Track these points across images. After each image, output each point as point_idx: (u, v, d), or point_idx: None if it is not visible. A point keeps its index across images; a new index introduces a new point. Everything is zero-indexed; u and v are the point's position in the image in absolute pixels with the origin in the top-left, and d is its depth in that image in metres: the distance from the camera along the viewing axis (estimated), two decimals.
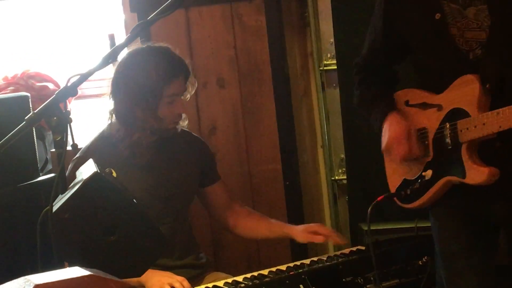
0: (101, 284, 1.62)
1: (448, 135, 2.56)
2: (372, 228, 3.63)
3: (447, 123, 2.57)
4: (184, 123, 3.18)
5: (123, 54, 3.03)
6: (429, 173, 2.65)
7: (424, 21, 2.60)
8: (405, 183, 2.75)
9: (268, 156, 4.06)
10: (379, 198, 2.74)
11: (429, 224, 3.41)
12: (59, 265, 1.88)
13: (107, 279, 1.64)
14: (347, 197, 4.08)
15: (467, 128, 2.48)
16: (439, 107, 2.62)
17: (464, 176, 2.51)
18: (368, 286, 2.73)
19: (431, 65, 2.66)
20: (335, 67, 3.99)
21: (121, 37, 3.95)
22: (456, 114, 2.54)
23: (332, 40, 4.01)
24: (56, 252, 1.93)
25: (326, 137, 4.13)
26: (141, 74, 2.97)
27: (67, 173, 2.78)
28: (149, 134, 3.03)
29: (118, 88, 3.01)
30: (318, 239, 2.94)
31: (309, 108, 4.18)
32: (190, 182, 3.22)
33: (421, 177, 2.68)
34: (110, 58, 2.14)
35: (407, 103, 2.76)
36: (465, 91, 2.51)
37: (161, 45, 3.09)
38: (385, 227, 3.58)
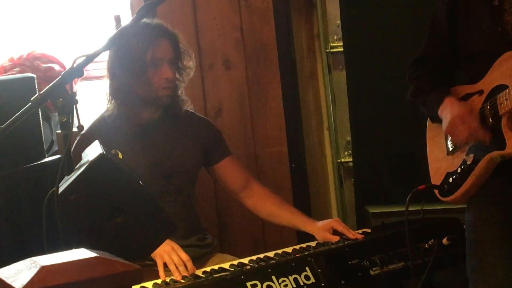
0: (107, 265, 1.62)
1: (489, 112, 2.55)
2: (378, 210, 3.67)
3: (488, 103, 2.56)
4: (187, 103, 3.23)
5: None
6: (471, 157, 2.63)
7: (481, 6, 2.61)
8: (448, 176, 2.75)
9: (274, 138, 4.05)
10: (420, 187, 2.75)
11: (435, 207, 3.42)
12: (65, 246, 1.88)
13: (113, 260, 1.65)
14: (353, 180, 4.08)
15: (506, 99, 2.45)
16: (480, 92, 2.61)
17: (503, 147, 2.48)
18: (374, 268, 2.73)
19: (479, 51, 2.65)
20: (342, 49, 3.98)
21: (127, 18, 3.94)
22: (497, 91, 2.53)
23: (338, 22, 3.99)
24: (62, 234, 1.93)
25: (332, 120, 4.12)
26: (127, 45, 3.02)
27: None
28: (144, 106, 3.08)
29: (112, 66, 3.09)
30: (335, 239, 2.94)
31: (315, 91, 4.17)
32: (192, 160, 3.22)
33: (463, 163, 2.66)
34: (116, 40, 2.14)
35: None
36: (504, 69, 2.51)
37: (145, 20, 3.14)
38: (391, 210, 3.58)
